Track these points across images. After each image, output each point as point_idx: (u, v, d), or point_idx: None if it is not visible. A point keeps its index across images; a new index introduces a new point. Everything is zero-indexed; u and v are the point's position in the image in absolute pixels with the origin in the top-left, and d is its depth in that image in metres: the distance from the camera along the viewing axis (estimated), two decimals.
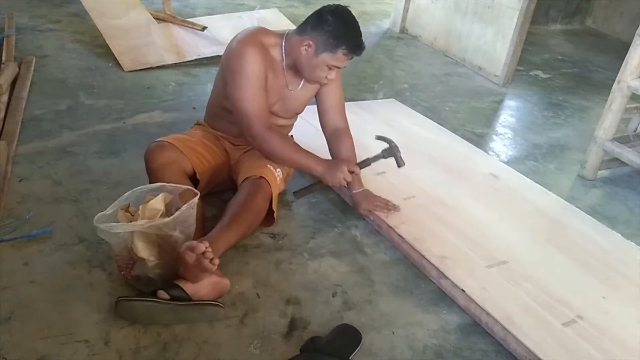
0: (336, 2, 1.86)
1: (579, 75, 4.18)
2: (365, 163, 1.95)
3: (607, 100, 2.57)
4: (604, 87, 3.45)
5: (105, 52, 3.20)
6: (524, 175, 2.46)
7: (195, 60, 3.26)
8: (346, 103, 2.86)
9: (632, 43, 2.44)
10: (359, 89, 3.32)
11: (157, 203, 1.57)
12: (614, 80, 2.53)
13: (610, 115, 2.55)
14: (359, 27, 1.82)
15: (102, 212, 1.53)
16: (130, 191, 1.62)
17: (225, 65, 1.87)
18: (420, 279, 1.82)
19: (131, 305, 1.46)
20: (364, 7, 4.98)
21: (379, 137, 1.98)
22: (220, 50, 3.17)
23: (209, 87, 2.94)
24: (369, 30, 4.40)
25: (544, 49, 4.68)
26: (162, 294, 1.48)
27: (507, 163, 2.65)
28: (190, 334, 1.49)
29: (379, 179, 2.20)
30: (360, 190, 2.02)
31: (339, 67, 1.85)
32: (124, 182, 2.01)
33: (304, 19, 1.87)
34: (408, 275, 1.83)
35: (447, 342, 1.59)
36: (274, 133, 1.85)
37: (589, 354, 1.51)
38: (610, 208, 2.42)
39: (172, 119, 2.62)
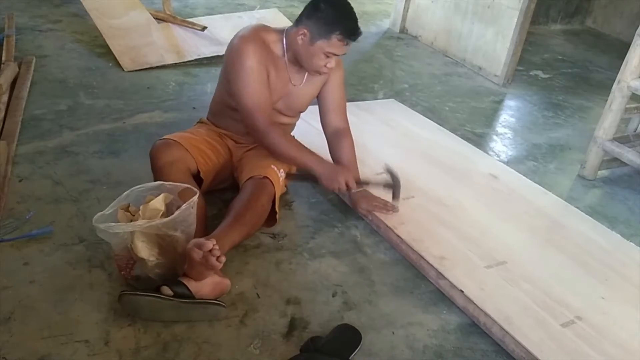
0: None
1: (579, 75, 4.18)
2: (364, 182, 2.01)
3: (607, 100, 2.57)
4: (604, 87, 3.45)
5: (105, 52, 3.20)
6: (523, 175, 2.46)
7: (195, 60, 3.26)
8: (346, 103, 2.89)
9: (632, 43, 2.44)
10: (359, 89, 3.32)
11: (158, 203, 1.57)
12: (614, 80, 2.53)
13: (610, 115, 2.55)
14: (353, 12, 1.83)
15: (102, 212, 1.53)
16: (129, 190, 1.62)
17: (227, 62, 1.88)
18: (420, 279, 1.82)
19: (134, 300, 1.46)
20: (364, 7, 4.98)
21: (388, 170, 2.02)
22: (220, 50, 3.18)
23: (209, 87, 2.96)
24: (369, 30, 4.40)
25: (544, 49, 4.68)
26: (166, 290, 1.48)
27: (507, 163, 2.65)
28: (190, 334, 1.49)
29: (377, 179, 2.17)
30: (359, 190, 2.00)
31: (336, 55, 1.84)
32: (124, 182, 2.01)
33: None
34: (408, 275, 1.83)
35: (447, 342, 1.59)
36: (277, 128, 1.87)
37: (587, 355, 1.51)
38: (610, 208, 2.42)
39: (172, 119, 2.62)
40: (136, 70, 3.07)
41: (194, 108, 2.72)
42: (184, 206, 1.53)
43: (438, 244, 1.87)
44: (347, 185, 1.88)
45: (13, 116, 2.39)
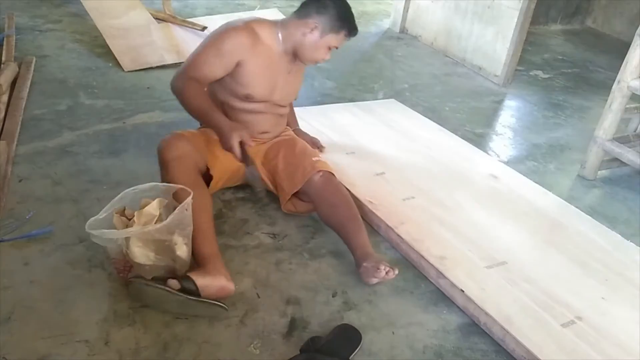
0: None
1: (579, 75, 4.18)
2: (247, 161, 1.81)
3: (607, 100, 2.57)
4: (604, 87, 3.45)
5: (105, 52, 3.20)
6: (524, 175, 2.46)
7: None
8: (345, 104, 2.88)
9: (632, 43, 2.44)
10: (359, 89, 3.32)
11: (152, 209, 1.56)
12: (614, 80, 2.53)
13: (610, 115, 2.55)
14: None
15: (95, 217, 1.53)
16: (122, 192, 1.61)
17: (210, 33, 1.93)
18: (420, 279, 1.82)
19: (143, 289, 1.50)
20: (364, 7, 4.98)
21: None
22: None
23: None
24: (369, 30, 4.40)
25: (544, 49, 4.68)
26: (174, 283, 1.50)
27: (507, 163, 2.65)
28: (190, 334, 1.49)
29: (378, 180, 2.20)
30: (294, 129, 2.15)
31: (337, 48, 1.95)
32: (124, 182, 2.01)
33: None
34: (408, 276, 1.83)
35: (447, 342, 1.59)
36: (192, 86, 1.84)
37: (587, 355, 1.51)
38: (610, 208, 2.42)
39: (172, 119, 2.62)
40: (136, 70, 3.07)
41: None
42: (177, 210, 1.52)
43: (438, 244, 1.87)
44: (242, 143, 1.75)
45: (13, 116, 2.39)
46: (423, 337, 1.60)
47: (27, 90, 2.65)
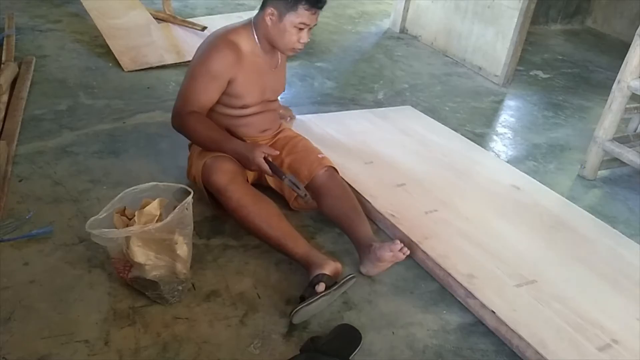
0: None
1: (579, 75, 4.18)
2: (278, 173, 1.83)
3: (607, 100, 2.57)
4: (604, 87, 3.45)
5: (105, 52, 3.20)
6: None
7: None
8: (361, 111, 2.86)
9: (632, 43, 2.44)
10: (359, 89, 3.32)
11: (153, 208, 1.56)
12: (614, 80, 2.53)
13: (610, 115, 2.55)
14: None
15: (95, 217, 1.53)
16: (122, 192, 1.61)
17: (193, 61, 1.92)
18: (420, 279, 1.82)
19: (307, 310, 1.53)
20: (364, 7, 4.98)
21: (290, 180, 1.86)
22: None
23: None
24: (369, 30, 4.40)
25: (544, 49, 4.68)
26: (321, 287, 1.57)
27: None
28: (190, 334, 1.49)
29: (399, 191, 2.14)
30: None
31: (308, 25, 1.84)
32: (124, 182, 2.01)
33: None
34: (408, 276, 1.83)
35: (447, 342, 1.59)
36: (194, 119, 1.86)
37: None
38: (610, 208, 2.42)
39: None
40: (136, 70, 3.07)
41: None
42: (177, 209, 1.52)
43: (465, 260, 1.80)
44: (266, 159, 1.80)
45: (13, 116, 2.39)
46: (423, 337, 1.60)
47: (27, 90, 2.65)
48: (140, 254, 1.50)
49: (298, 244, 1.72)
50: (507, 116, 3.32)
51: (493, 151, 2.83)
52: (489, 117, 3.25)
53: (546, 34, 5.12)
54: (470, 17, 3.88)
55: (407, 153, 2.46)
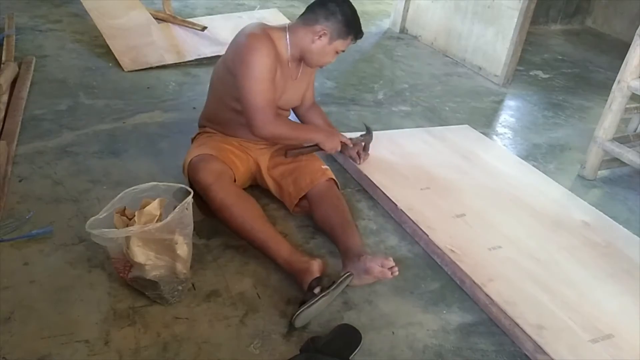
0: None
1: (579, 75, 4.18)
2: (353, 141, 2.20)
3: (607, 100, 2.57)
4: (604, 87, 3.45)
5: (105, 52, 3.20)
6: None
7: (195, 60, 3.26)
8: (416, 129, 2.81)
9: (632, 43, 2.44)
10: (359, 89, 3.32)
11: (153, 208, 1.56)
12: (614, 80, 2.53)
13: (610, 115, 2.55)
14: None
15: (95, 217, 1.52)
16: (122, 193, 1.61)
17: (235, 60, 1.87)
18: (420, 279, 1.82)
19: (308, 313, 1.53)
20: (364, 7, 4.98)
21: (366, 125, 2.34)
22: (220, 51, 3.17)
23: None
24: (369, 30, 4.40)
25: (544, 49, 4.68)
26: (318, 289, 1.57)
27: (575, 195, 2.43)
28: (190, 334, 1.49)
29: (458, 223, 2.01)
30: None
31: (343, 51, 1.97)
32: (124, 182, 2.01)
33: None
34: (408, 276, 1.83)
35: (447, 342, 1.59)
36: (280, 119, 1.96)
37: None
38: (610, 208, 2.42)
39: (172, 119, 2.62)
40: (136, 70, 3.07)
41: (194, 108, 2.72)
42: (177, 209, 1.52)
43: (534, 308, 1.65)
44: (343, 143, 2.13)
45: (13, 116, 2.39)
46: (423, 337, 1.60)
47: (27, 90, 2.65)
48: (140, 254, 1.50)
49: (280, 248, 1.72)
50: (507, 116, 3.32)
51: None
52: (489, 117, 3.25)
53: (546, 34, 5.12)
54: (470, 17, 3.88)
55: (466, 179, 2.32)
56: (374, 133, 2.35)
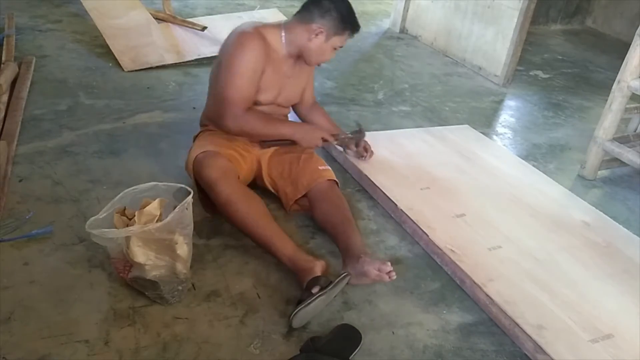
0: None
1: (579, 75, 4.18)
2: (336, 137, 2.12)
3: (607, 100, 2.57)
4: (604, 87, 3.45)
5: (105, 52, 3.20)
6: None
7: (195, 60, 3.26)
8: (416, 130, 2.81)
9: (632, 43, 2.44)
10: (359, 89, 3.32)
11: (153, 208, 1.56)
12: (614, 80, 2.53)
13: (610, 115, 2.55)
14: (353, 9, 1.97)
15: (95, 217, 1.52)
16: (122, 193, 1.61)
17: (223, 55, 1.91)
18: (420, 279, 1.82)
19: (306, 311, 1.52)
20: (364, 7, 4.98)
21: (357, 123, 2.32)
22: None
23: None
24: (369, 30, 4.40)
25: (544, 49, 4.68)
26: (316, 288, 1.56)
27: (575, 195, 2.42)
28: (190, 334, 1.49)
29: (458, 223, 2.02)
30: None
31: (341, 47, 1.98)
32: (124, 182, 2.01)
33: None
34: (408, 276, 1.83)
35: (447, 342, 1.59)
36: (252, 114, 1.92)
37: None
38: (610, 208, 2.42)
39: (172, 119, 2.62)
40: (136, 70, 3.07)
41: (194, 108, 2.72)
42: (177, 209, 1.52)
43: (534, 308, 1.66)
44: (324, 140, 2.03)
45: (13, 116, 2.39)
46: (423, 337, 1.60)
47: (27, 90, 2.65)
48: (140, 254, 1.50)
49: (285, 245, 1.71)
50: (507, 116, 3.32)
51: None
52: (489, 117, 3.25)
53: (546, 34, 5.12)
54: (470, 17, 3.88)
55: (466, 179, 2.32)
56: (376, 133, 2.35)
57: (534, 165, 2.67)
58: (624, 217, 2.37)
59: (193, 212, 1.59)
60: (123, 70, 3.05)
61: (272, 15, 3.96)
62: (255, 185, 2.11)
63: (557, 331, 1.59)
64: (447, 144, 2.63)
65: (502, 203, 2.19)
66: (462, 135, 2.77)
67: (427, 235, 1.92)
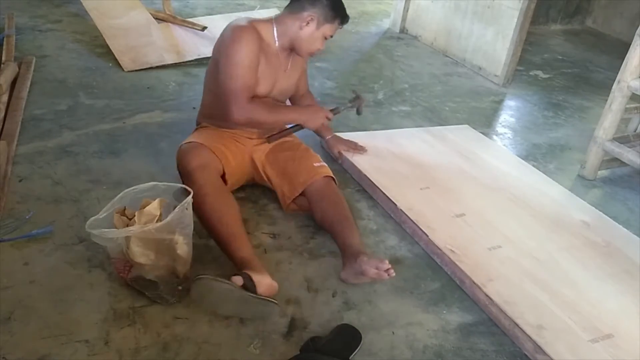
0: None
1: (579, 75, 4.18)
2: (336, 111, 2.12)
3: (607, 100, 2.57)
4: (604, 87, 3.45)
5: (105, 52, 3.20)
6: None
7: (195, 60, 3.26)
8: (416, 129, 2.81)
9: (632, 43, 2.44)
10: (359, 89, 3.32)
11: (153, 208, 1.56)
12: (614, 80, 2.53)
13: (610, 115, 2.55)
14: None
15: (95, 217, 1.52)
16: (122, 192, 1.61)
17: (220, 51, 1.91)
18: (420, 279, 1.82)
19: (210, 284, 1.48)
20: (364, 7, 4.98)
21: (354, 91, 2.27)
22: None
23: None
24: (369, 30, 4.40)
25: (544, 49, 4.68)
26: (238, 280, 1.50)
27: (575, 195, 2.42)
28: (190, 334, 1.49)
29: (458, 223, 2.02)
30: (331, 136, 2.36)
31: (332, 36, 1.99)
32: (124, 182, 2.01)
33: None
34: (408, 276, 1.83)
35: (447, 342, 1.59)
36: (257, 103, 1.92)
37: None
38: (610, 208, 2.42)
39: (172, 119, 2.62)
40: (136, 70, 3.07)
41: (194, 108, 2.71)
42: (177, 209, 1.52)
43: (534, 308, 1.65)
44: (328, 118, 2.05)
45: (13, 116, 2.39)
46: (423, 337, 1.60)
47: (27, 90, 2.65)
48: (140, 254, 1.50)
49: (242, 248, 1.66)
50: (507, 116, 3.32)
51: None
52: (489, 117, 3.25)
53: (546, 34, 5.12)
54: (470, 17, 3.88)
55: (466, 179, 2.32)
56: (376, 133, 2.35)
57: (534, 165, 2.67)
58: (624, 217, 2.37)
59: (193, 212, 1.59)
60: (123, 70, 3.05)
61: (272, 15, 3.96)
62: (255, 184, 2.11)
63: (557, 331, 1.58)
64: (447, 143, 2.63)
65: (502, 203, 2.19)
66: (462, 135, 2.77)
67: (427, 236, 1.92)
